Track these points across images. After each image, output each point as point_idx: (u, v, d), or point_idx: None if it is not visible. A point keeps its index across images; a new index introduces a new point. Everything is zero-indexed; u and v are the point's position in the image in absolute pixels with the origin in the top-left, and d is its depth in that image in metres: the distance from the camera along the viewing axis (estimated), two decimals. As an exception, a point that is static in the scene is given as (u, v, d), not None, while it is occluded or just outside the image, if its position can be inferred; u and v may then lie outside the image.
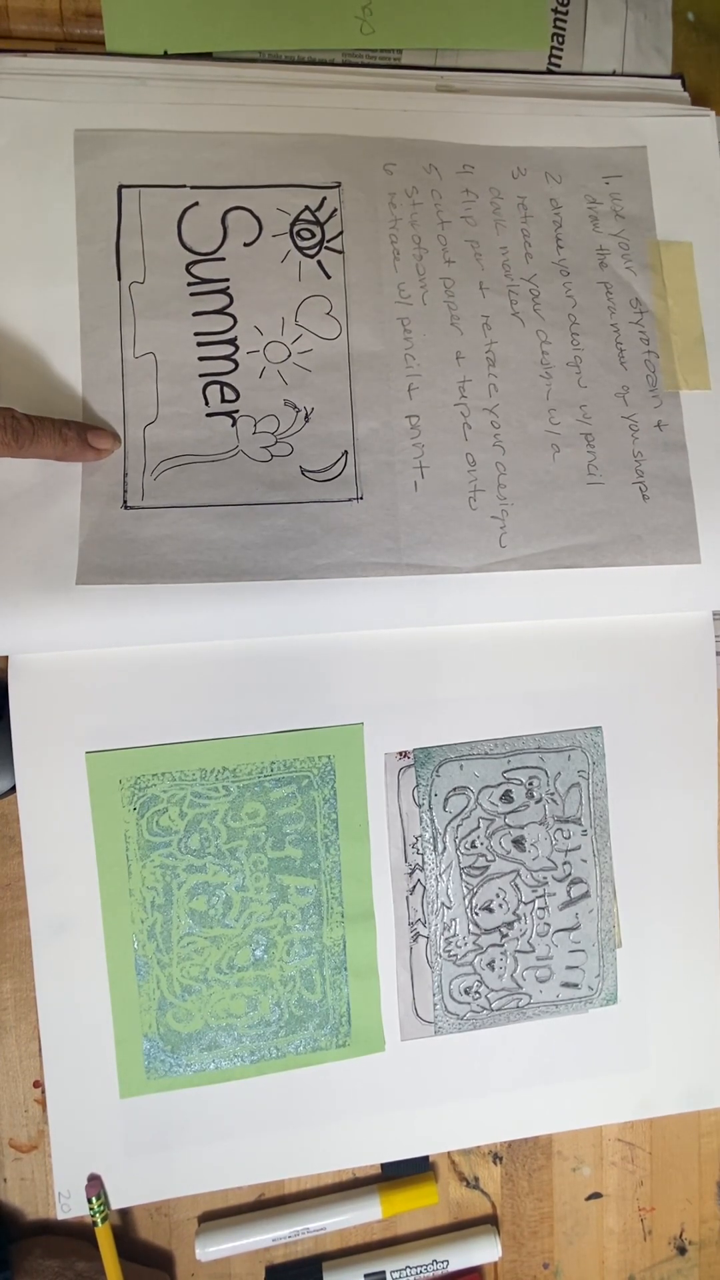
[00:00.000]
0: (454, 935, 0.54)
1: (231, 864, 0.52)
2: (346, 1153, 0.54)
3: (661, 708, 0.56)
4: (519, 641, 0.55)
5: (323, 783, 0.53)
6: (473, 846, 0.55)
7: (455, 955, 0.55)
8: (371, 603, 0.52)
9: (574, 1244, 0.57)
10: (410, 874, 0.54)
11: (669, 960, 0.56)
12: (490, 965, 0.55)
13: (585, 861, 0.56)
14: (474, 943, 0.55)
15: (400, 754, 0.54)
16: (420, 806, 0.54)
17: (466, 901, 0.55)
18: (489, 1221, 0.56)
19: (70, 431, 0.49)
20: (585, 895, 0.56)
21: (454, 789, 0.54)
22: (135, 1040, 0.52)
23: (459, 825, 0.54)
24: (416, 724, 0.54)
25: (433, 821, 0.54)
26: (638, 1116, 0.56)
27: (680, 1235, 0.58)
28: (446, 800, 0.54)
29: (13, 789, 0.51)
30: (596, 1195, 0.57)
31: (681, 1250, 0.58)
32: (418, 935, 0.54)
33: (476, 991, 0.55)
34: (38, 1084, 0.52)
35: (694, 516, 0.55)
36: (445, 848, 0.54)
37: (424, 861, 0.54)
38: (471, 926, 0.55)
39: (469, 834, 0.55)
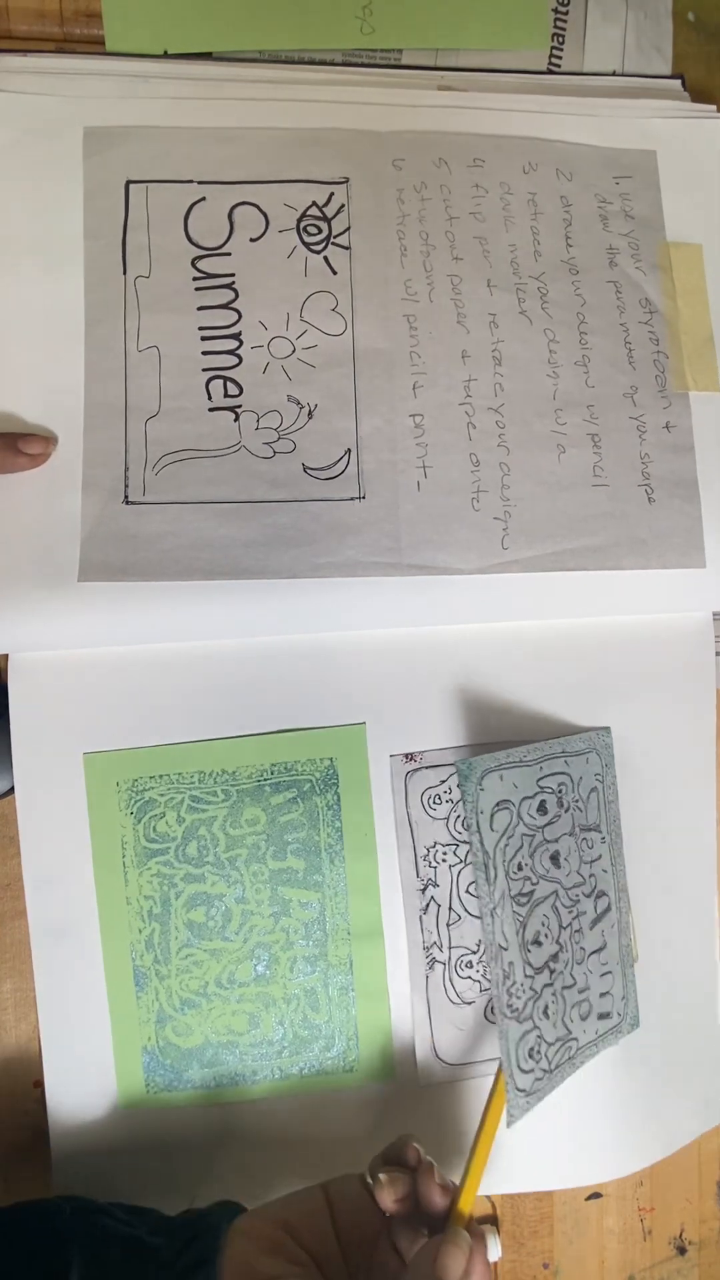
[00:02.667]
0: (514, 983, 0.46)
1: (231, 874, 0.51)
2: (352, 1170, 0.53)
3: (661, 708, 0.56)
4: (520, 641, 0.54)
5: (325, 787, 0.52)
6: (519, 869, 0.48)
7: (517, 1009, 0.46)
8: (372, 603, 0.51)
9: (574, 1244, 0.57)
10: (423, 890, 0.52)
11: (674, 967, 0.56)
12: (545, 1012, 0.48)
13: (605, 872, 0.53)
14: (529, 986, 0.47)
15: (406, 756, 0.53)
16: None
17: (520, 937, 0.47)
18: (489, 1221, 0.56)
19: (1, 441, 0.48)
20: (608, 910, 0.52)
21: (498, 803, 0.48)
22: (134, 1053, 0.51)
23: (505, 845, 0.48)
24: (419, 725, 0.53)
25: (482, 844, 0.47)
26: (670, 1151, 0.55)
27: (680, 1235, 0.58)
28: (493, 817, 0.48)
29: (12, 789, 0.50)
30: (596, 1195, 0.58)
31: (681, 1250, 0.58)
32: (434, 961, 0.52)
33: (538, 1052, 0.47)
34: (38, 1084, 0.52)
35: (700, 520, 0.55)
36: (496, 875, 0.47)
37: (436, 876, 0.52)
38: (526, 968, 0.47)
39: (514, 855, 0.48)
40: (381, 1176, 0.43)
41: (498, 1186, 0.53)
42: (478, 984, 0.53)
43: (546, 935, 0.48)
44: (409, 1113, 0.52)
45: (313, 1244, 0.42)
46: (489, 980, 0.51)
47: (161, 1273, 0.41)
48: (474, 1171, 0.44)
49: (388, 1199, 0.43)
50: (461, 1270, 0.40)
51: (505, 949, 0.46)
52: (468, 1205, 0.44)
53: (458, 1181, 0.44)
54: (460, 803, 0.52)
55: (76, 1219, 0.43)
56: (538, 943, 0.48)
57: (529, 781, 0.50)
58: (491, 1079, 0.47)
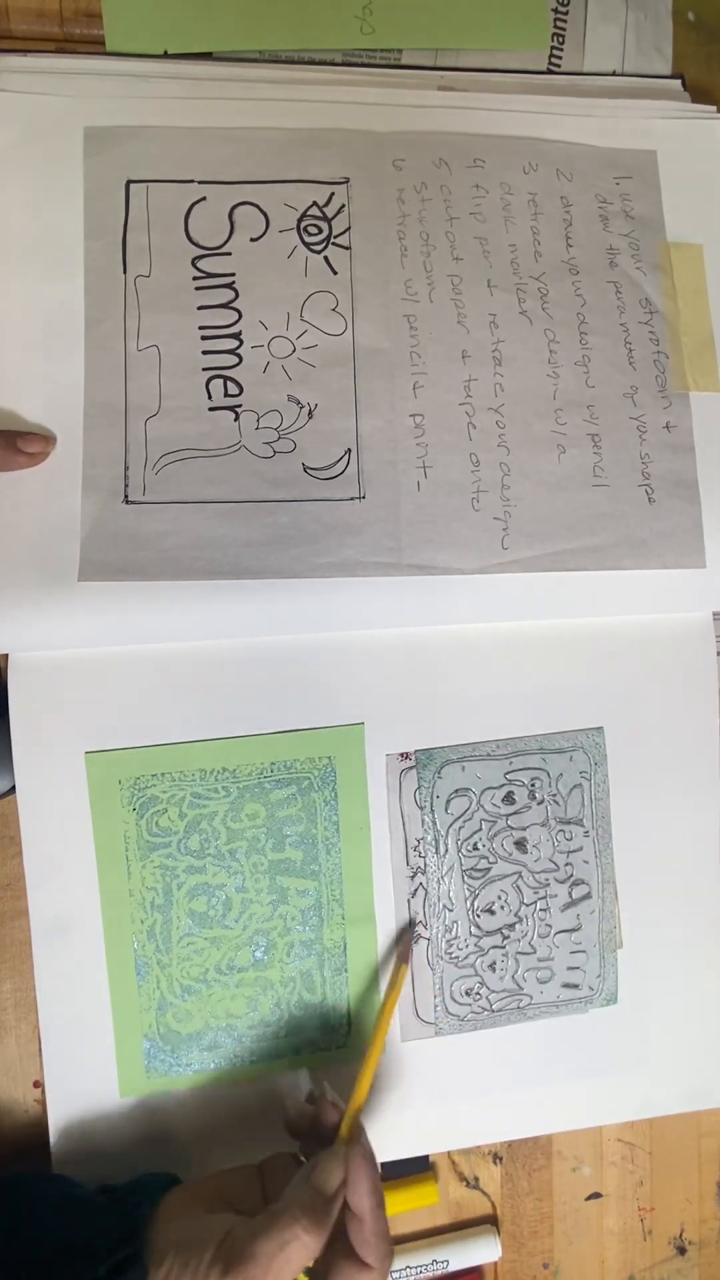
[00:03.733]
0: (455, 937, 0.54)
1: (231, 865, 0.52)
2: None
3: (662, 708, 0.56)
4: (520, 641, 0.54)
5: (323, 784, 0.53)
6: (475, 849, 0.54)
7: (457, 957, 0.54)
8: (372, 603, 0.51)
9: (574, 1244, 0.57)
10: (412, 876, 0.54)
11: (670, 960, 0.56)
12: (491, 967, 0.55)
13: (587, 863, 0.56)
14: (475, 945, 0.55)
15: (401, 755, 0.53)
16: (422, 809, 0.54)
17: (468, 904, 0.54)
18: (489, 1221, 0.56)
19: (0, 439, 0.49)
20: (587, 896, 0.56)
21: (456, 790, 0.54)
22: (135, 1039, 0.51)
23: (461, 827, 0.54)
24: (418, 725, 0.54)
25: (434, 823, 0.54)
26: (638, 1116, 0.56)
27: (680, 1235, 0.58)
28: (449, 802, 0.54)
29: (13, 789, 0.50)
30: (596, 1195, 0.58)
31: (681, 1250, 0.58)
32: (418, 937, 0.54)
33: (477, 993, 0.54)
34: (38, 1084, 0.52)
35: (700, 520, 0.55)
36: (447, 850, 0.54)
37: (425, 864, 0.54)
38: (473, 929, 0.54)
39: (471, 836, 0.54)
40: (287, 1101, 0.49)
41: (485, 1136, 0.56)
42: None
43: (503, 907, 0.55)
44: (396, 1076, 0.54)
45: (239, 1202, 0.45)
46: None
47: (96, 1217, 0.44)
48: (359, 1088, 0.48)
49: (290, 1112, 0.48)
50: (334, 1181, 0.43)
51: (450, 910, 0.54)
52: (347, 1123, 0.47)
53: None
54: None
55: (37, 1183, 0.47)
56: (490, 911, 0.55)
57: (494, 773, 0.55)
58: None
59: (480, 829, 0.54)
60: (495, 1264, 0.56)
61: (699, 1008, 0.57)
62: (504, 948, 0.55)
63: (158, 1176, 0.48)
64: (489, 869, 0.55)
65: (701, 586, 0.55)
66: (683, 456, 0.55)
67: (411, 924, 0.54)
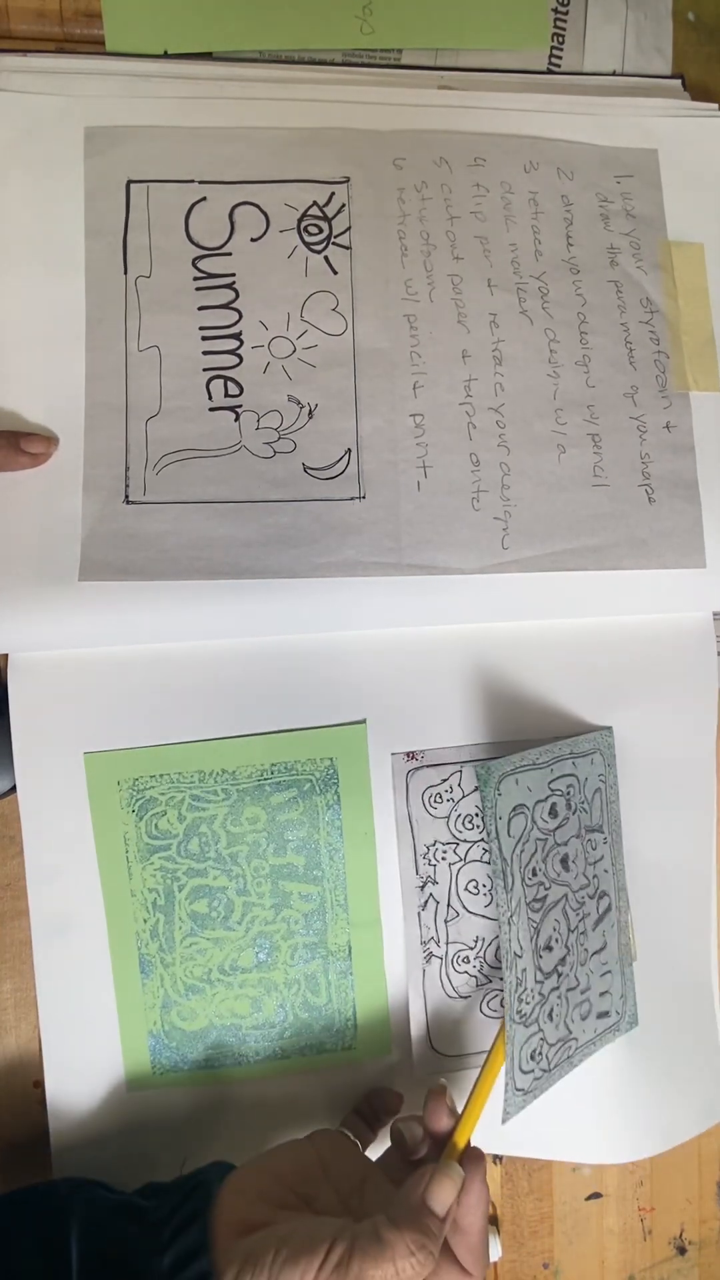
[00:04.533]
0: (525, 989, 0.47)
1: (232, 869, 0.52)
2: None
3: (662, 707, 0.56)
4: (520, 641, 0.54)
5: (325, 787, 0.52)
6: (534, 875, 0.49)
7: (525, 1014, 0.47)
8: (372, 603, 0.51)
9: (574, 1244, 0.57)
10: (422, 887, 0.53)
11: (673, 967, 0.56)
12: (550, 1015, 0.48)
13: (607, 872, 0.53)
14: (538, 992, 0.48)
15: (408, 755, 0.53)
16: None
17: (533, 944, 0.48)
18: (489, 1221, 0.56)
19: (3, 439, 0.49)
20: (609, 910, 0.53)
21: (515, 808, 0.48)
22: (140, 1036, 0.51)
23: (521, 851, 0.48)
24: (419, 724, 0.53)
25: (500, 851, 0.47)
26: (668, 1146, 0.55)
27: (680, 1235, 0.58)
28: (510, 822, 0.48)
29: (13, 789, 0.50)
30: (596, 1195, 0.58)
31: (681, 1250, 0.58)
32: (430, 956, 0.53)
33: (539, 1054, 0.48)
34: (38, 1084, 0.52)
35: (700, 520, 0.55)
36: (514, 883, 0.47)
37: (435, 874, 0.52)
38: (537, 974, 0.48)
39: (529, 860, 0.49)
40: (410, 1124, 0.46)
41: (491, 1146, 0.53)
42: (474, 979, 0.53)
43: (557, 940, 0.49)
44: (405, 1088, 0.53)
45: (304, 1188, 0.43)
46: (484, 975, 0.53)
47: (157, 1230, 0.42)
48: (474, 1106, 0.46)
49: (416, 1136, 0.46)
50: (449, 1200, 0.42)
51: (520, 956, 0.47)
52: (463, 1138, 0.45)
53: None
54: (461, 802, 0.53)
55: (73, 1193, 0.44)
56: (549, 948, 0.49)
57: (541, 784, 0.50)
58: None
59: (535, 851, 0.49)
60: (495, 1264, 0.56)
61: (702, 1015, 0.56)
62: (559, 988, 0.49)
63: (213, 1168, 0.45)
64: (545, 897, 0.49)
65: (701, 586, 0.55)
66: (683, 456, 0.55)
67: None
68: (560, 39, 0.57)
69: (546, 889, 0.49)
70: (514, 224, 0.55)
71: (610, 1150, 0.55)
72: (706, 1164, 0.59)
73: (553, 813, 0.50)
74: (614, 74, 0.58)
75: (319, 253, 0.53)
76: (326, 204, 0.53)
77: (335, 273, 0.53)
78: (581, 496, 0.54)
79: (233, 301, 0.52)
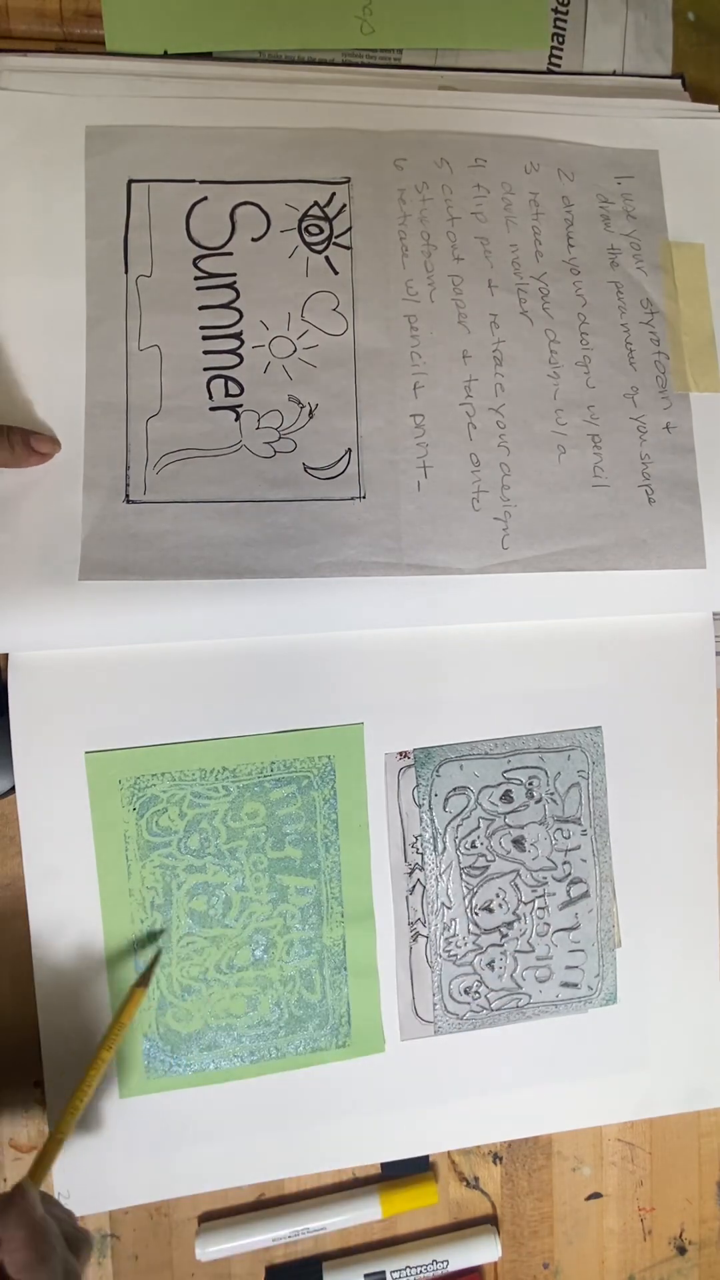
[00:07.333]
0: (454, 935, 0.54)
1: (231, 864, 0.52)
2: (346, 1152, 0.54)
3: (661, 708, 0.56)
4: (519, 641, 0.55)
5: (323, 783, 0.53)
6: (473, 846, 0.54)
7: (455, 955, 0.54)
8: (372, 602, 0.51)
9: (574, 1244, 0.57)
10: (410, 874, 0.54)
11: (668, 960, 0.56)
12: (490, 965, 0.55)
13: (585, 861, 0.56)
14: (474, 943, 0.55)
15: (400, 754, 0.54)
16: (420, 806, 0.54)
17: (466, 901, 0.54)
18: (489, 1221, 0.56)
19: (16, 437, 0.49)
20: (585, 895, 0.56)
21: (454, 789, 0.54)
22: (135, 1040, 0.52)
23: (459, 825, 0.54)
24: (417, 724, 0.54)
25: (433, 821, 0.54)
26: (637, 1116, 0.56)
27: (680, 1235, 0.58)
28: (446, 800, 0.54)
29: (13, 789, 0.50)
30: (596, 1195, 0.58)
31: (681, 1250, 0.58)
32: (417, 935, 0.54)
33: (476, 991, 0.55)
34: (38, 1084, 0.52)
35: (700, 521, 0.55)
36: (445, 848, 0.54)
37: (424, 861, 0.54)
38: (471, 926, 0.54)
39: (469, 834, 0.54)
40: None
41: (489, 1135, 0.55)
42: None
43: (501, 905, 0.55)
44: (397, 1079, 0.54)
45: None
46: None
47: None
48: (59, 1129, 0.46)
49: None
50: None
51: (449, 907, 0.54)
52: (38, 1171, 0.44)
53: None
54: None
55: None
56: (488, 909, 0.55)
57: (492, 772, 0.55)
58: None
59: (478, 827, 0.55)
60: (495, 1264, 0.56)
61: (698, 1007, 0.57)
62: (502, 946, 0.55)
63: None
64: (487, 867, 0.55)
65: (701, 586, 0.55)
66: (683, 457, 0.55)
67: (156, 959, 0.52)
68: (560, 39, 0.57)
69: (489, 861, 0.55)
70: (514, 225, 0.55)
71: (595, 1114, 0.56)
72: (706, 1164, 0.59)
73: (506, 798, 0.55)
74: (614, 74, 0.58)
75: (320, 253, 0.53)
76: (327, 204, 0.53)
77: (336, 273, 0.53)
78: (581, 497, 0.54)
79: (233, 301, 0.52)
